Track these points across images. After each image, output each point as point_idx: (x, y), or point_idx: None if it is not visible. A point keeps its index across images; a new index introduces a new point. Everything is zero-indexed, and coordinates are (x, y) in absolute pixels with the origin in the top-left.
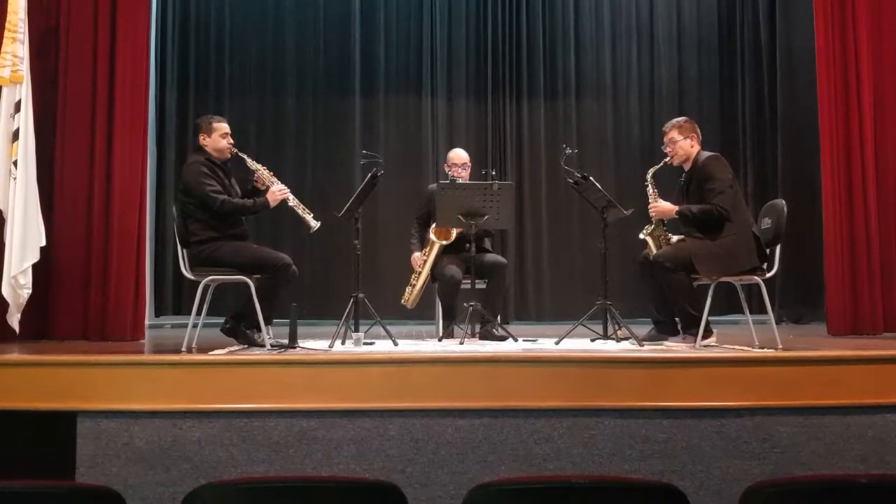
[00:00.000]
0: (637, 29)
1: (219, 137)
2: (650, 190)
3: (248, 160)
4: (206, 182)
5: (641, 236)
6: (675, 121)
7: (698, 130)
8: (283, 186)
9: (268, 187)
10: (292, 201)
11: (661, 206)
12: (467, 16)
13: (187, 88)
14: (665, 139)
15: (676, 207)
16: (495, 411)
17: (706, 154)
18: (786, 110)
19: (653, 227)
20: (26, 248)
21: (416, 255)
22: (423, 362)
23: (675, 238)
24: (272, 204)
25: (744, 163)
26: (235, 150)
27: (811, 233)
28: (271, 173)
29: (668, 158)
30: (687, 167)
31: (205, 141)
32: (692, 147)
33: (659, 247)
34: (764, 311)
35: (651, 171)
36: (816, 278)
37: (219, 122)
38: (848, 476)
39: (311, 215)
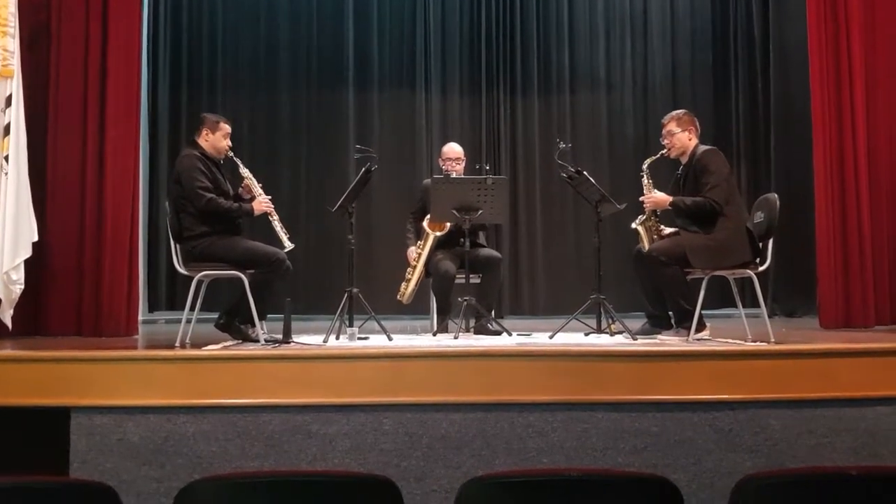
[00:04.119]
0: (631, 23)
1: (221, 137)
2: (645, 180)
3: (241, 167)
4: (197, 178)
5: (633, 226)
6: (674, 113)
7: (697, 124)
8: (268, 199)
9: (254, 196)
10: (274, 216)
11: (655, 197)
12: (461, 10)
13: (180, 83)
14: (663, 131)
15: (670, 198)
16: (489, 405)
17: (703, 148)
18: (779, 104)
19: (645, 217)
20: (18, 243)
21: (411, 249)
22: (418, 357)
23: (667, 230)
24: (257, 213)
25: (737, 157)
26: (231, 154)
27: (804, 226)
28: (260, 185)
29: (665, 150)
30: (684, 160)
31: (206, 137)
32: (690, 140)
33: (651, 237)
34: (757, 305)
35: (647, 162)
36: (809, 272)
37: (225, 122)
38: (839, 468)
39: (288, 236)
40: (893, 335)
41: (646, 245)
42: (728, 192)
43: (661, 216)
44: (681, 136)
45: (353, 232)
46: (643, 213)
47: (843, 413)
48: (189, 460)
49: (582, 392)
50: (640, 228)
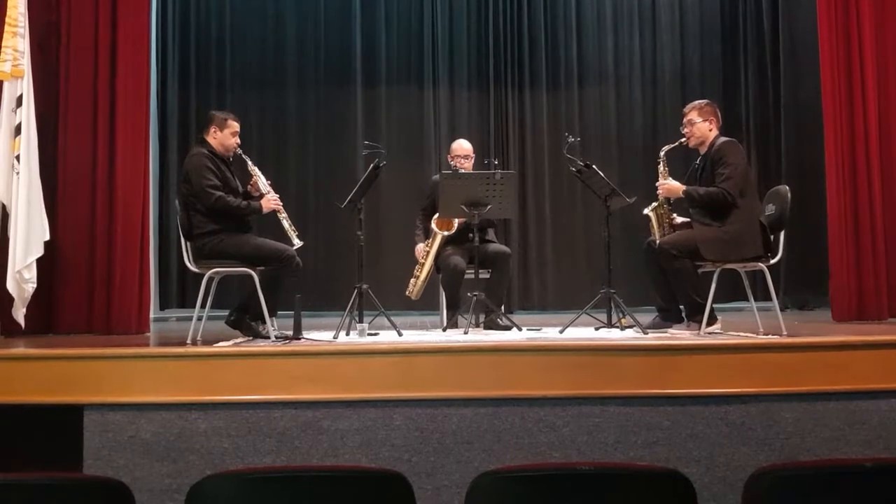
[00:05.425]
0: (639, 16)
1: (230, 135)
2: (661, 168)
3: (250, 164)
4: (206, 176)
5: (645, 212)
6: (696, 102)
7: (719, 115)
8: (276, 197)
9: (262, 194)
10: (283, 213)
11: (669, 185)
12: (468, 5)
13: (189, 81)
14: (684, 119)
15: (683, 187)
16: (500, 400)
17: (723, 139)
18: (789, 95)
19: (657, 204)
20: (30, 242)
21: (420, 246)
22: (428, 352)
23: (679, 219)
24: (265, 210)
25: (747, 149)
26: (240, 152)
27: (815, 219)
28: (269, 182)
29: (684, 139)
30: (703, 151)
31: (215, 135)
32: (710, 131)
33: (661, 225)
34: (768, 298)
35: (665, 149)
36: (821, 264)
37: (233, 120)
38: (853, 461)
39: (297, 234)
40: None
41: (656, 232)
42: (742, 184)
43: (674, 204)
44: (701, 126)
45: (361, 228)
46: (656, 199)
47: (856, 406)
48: (201, 456)
49: (593, 386)
50: (651, 215)
